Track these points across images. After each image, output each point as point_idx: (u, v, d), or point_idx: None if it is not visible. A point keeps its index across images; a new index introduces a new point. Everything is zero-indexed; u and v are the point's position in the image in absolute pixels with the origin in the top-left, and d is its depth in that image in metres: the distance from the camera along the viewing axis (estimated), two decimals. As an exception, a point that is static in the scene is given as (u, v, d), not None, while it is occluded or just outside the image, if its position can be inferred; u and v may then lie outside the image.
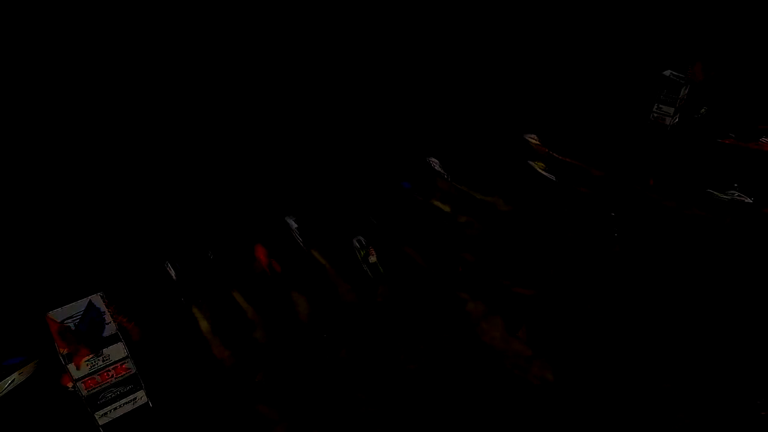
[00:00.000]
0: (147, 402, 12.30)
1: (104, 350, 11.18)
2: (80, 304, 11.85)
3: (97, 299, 12.01)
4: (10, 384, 12.40)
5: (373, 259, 16.54)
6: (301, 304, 15.15)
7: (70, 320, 11.54)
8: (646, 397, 12.25)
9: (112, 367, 11.42)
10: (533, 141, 21.79)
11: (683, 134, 22.94)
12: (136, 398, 12.08)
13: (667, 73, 22.71)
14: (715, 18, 24.68)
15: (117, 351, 11.40)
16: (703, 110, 22.72)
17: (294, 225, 17.60)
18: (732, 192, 18.57)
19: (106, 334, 11.40)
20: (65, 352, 10.79)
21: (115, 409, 11.83)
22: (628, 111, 23.82)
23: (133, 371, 11.79)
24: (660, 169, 20.32)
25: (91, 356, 11.03)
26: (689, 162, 20.79)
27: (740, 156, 20.92)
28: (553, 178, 19.75)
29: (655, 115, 23.36)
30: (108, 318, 11.72)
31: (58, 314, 11.60)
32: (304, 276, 16.03)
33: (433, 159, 20.74)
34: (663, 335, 13.69)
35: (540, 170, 20.15)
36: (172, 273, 15.69)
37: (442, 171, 20.40)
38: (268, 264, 16.14)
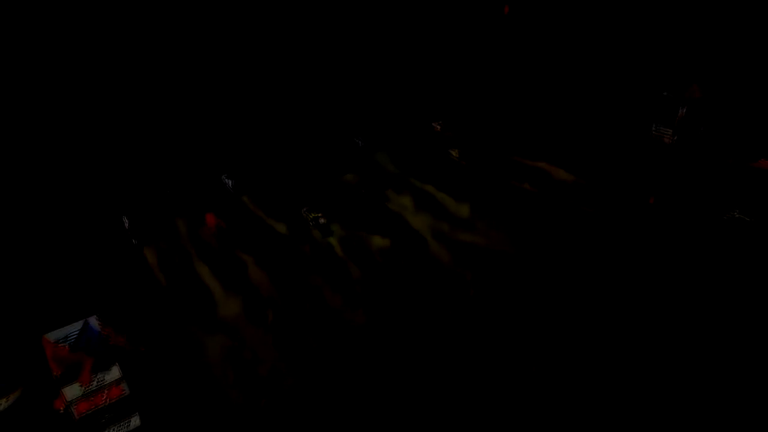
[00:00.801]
0: (140, 425, 12.09)
1: (99, 372, 11.06)
2: (76, 326, 11.78)
3: (93, 321, 11.95)
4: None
5: (323, 220, 18.03)
6: (246, 259, 16.94)
7: (65, 341, 11.45)
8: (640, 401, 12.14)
9: (106, 389, 11.28)
10: (437, 127, 24.01)
11: (683, 153, 23.02)
12: (130, 422, 11.88)
13: (665, 94, 22.95)
14: (712, 38, 25.01)
15: (112, 373, 11.28)
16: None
17: (229, 183, 20.20)
18: (732, 212, 18.54)
19: (102, 355, 11.30)
20: (59, 374, 10.67)
21: (108, 432, 11.65)
22: (627, 129, 24.00)
23: (128, 393, 11.63)
24: (660, 187, 20.35)
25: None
26: (690, 181, 20.81)
27: (741, 175, 20.93)
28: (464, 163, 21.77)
29: (654, 134, 23.50)
30: (104, 340, 11.64)
31: (53, 336, 11.53)
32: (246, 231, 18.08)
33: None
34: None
35: (455, 157, 22.09)
36: (126, 223, 17.72)
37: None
38: (216, 224, 18.36)
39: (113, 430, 11.63)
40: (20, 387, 12.65)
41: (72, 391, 10.81)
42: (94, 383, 11.04)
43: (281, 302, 15.53)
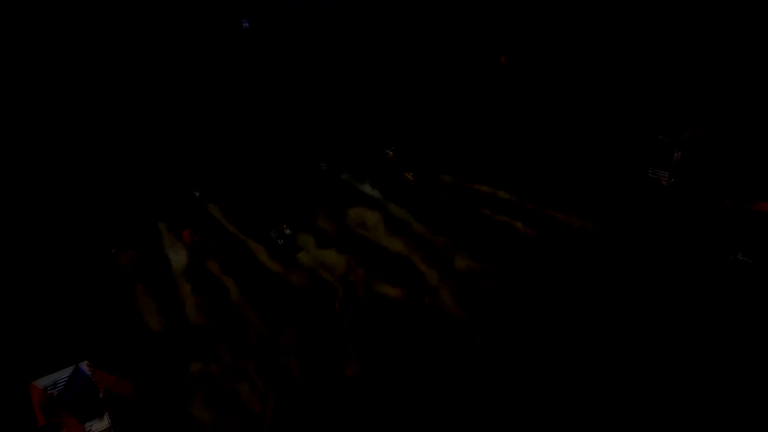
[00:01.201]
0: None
1: (87, 423, 10.54)
2: (65, 372, 11.34)
3: (84, 366, 11.51)
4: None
5: (288, 231, 19.18)
6: (212, 264, 18.44)
7: (53, 389, 10.98)
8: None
9: (93, 440, 10.73)
10: (390, 153, 25.96)
11: (681, 195, 23.20)
12: (116, 475, 11.24)
13: (660, 137, 23.37)
14: (706, 82, 25.79)
15: (100, 423, 10.75)
16: None
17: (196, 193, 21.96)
18: (735, 255, 18.48)
19: (91, 404, 10.80)
20: (44, 424, 10.15)
21: (92, 487, 10.98)
22: (624, 173, 24.27)
23: (117, 444, 11.06)
24: (662, 230, 20.38)
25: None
26: (691, 224, 20.86)
27: (741, 217, 21.00)
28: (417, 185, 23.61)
29: (651, 177, 23.73)
30: (94, 386, 11.17)
31: (41, 382, 11.06)
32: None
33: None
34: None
35: (410, 179, 23.93)
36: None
37: None
38: (191, 239, 19.70)
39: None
40: None
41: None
42: (81, 434, 10.52)
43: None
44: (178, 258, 19.06)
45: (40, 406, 10.49)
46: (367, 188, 23.76)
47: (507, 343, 15.60)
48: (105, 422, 10.80)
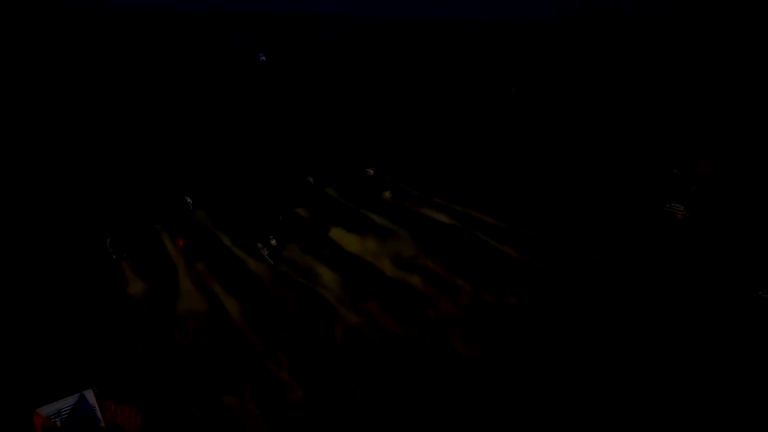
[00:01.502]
0: None
1: (89, 454, 10.16)
2: (70, 400, 11.02)
3: (89, 394, 11.19)
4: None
5: (273, 242, 20.74)
6: (200, 266, 20.51)
7: (57, 417, 10.63)
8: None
9: (94, 474, 10.30)
10: (370, 172, 28.54)
11: (699, 230, 22.83)
12: None
13: (676, 171, 23.22)
14: (720, 119, 25.82)
15: (103, 456, 10.37)
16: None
17: (189, 200, 24.45)
18: (758, 292, 17.94)
19: (93, 434, 10.44)
20: (46, 455, 9.80)
21: None
22: (642, 207, 24.07)
23: (117, 480, 10.62)
24: (679, 261, 19.95)
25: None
26: (710, 259, 20.39)
27: (764, 253, 20.50)
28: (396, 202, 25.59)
29: (668, 210, 23.46)
30: (99, 415, 10.81)
31: (45, 410, 10.74)
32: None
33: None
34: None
35: (388, 198, 26.19)
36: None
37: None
38: (184, 244, 21.82)
39: None
40: None
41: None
42: (83, 467, 10.11)
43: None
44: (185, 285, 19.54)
45: (42, 435, 10.14)
46: (351, 203, 25.59)
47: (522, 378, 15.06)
48: (107, 455, 10.41)
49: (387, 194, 25.99)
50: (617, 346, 16.17)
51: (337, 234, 22.92)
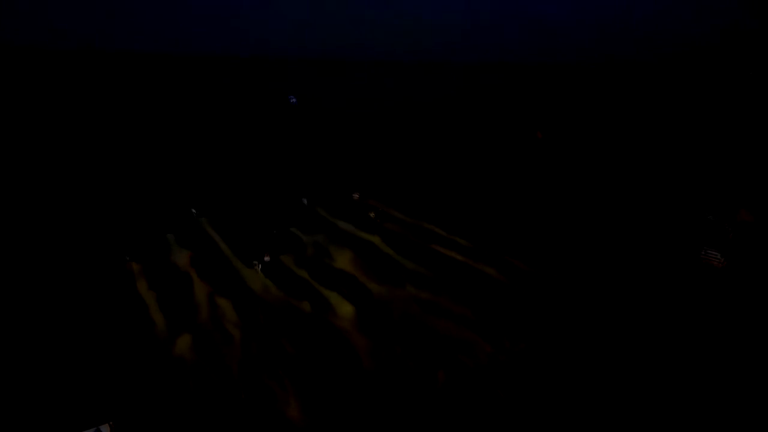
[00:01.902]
0: None
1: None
2: (86, 435, 11.00)
3: (105, 429, 11.16)
4: None
5: (267, 258, 21.09)
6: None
7: (72, 452, 10.60)
8: None
9: None
10: (356, 196, 29.29)
11: (735, 276, 21.82)
12: None
13: (711, 217, 22.49)
14: (757, 163, 25.12)
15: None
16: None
17: (194, 210, 25.59)
18: None
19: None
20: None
21: None
22: (677, 254, 23.20)
23: None
24: (718, 310, 18.98)
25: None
26: (748, 310, 19.33)
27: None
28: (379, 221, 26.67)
29: (703, 257, 22.54)
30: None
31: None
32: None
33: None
34: None
35: (373, 217, 27.03)
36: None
37: None
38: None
39: None
40: None
41: None
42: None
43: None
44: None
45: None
46: (341, 223, 27.25)
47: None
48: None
49: (371, 215, 28.05)
50: (650, 401, 15.30)
51: (325, 247, 24.64)
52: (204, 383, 15.83)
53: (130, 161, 28.86)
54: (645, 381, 15.96)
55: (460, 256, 23.52)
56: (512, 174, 30.08)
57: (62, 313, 18.06)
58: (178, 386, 15.56)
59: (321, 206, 29.23)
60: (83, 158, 28.55)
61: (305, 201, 29.50)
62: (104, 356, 16.31)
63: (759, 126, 25.21)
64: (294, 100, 48.11)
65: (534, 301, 20.73)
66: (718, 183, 24.31)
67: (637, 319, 19.01)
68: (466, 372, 16.61)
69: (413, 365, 16.89)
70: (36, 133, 29.45)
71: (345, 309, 19.63)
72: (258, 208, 27.75)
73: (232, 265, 22.31)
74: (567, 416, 14.97)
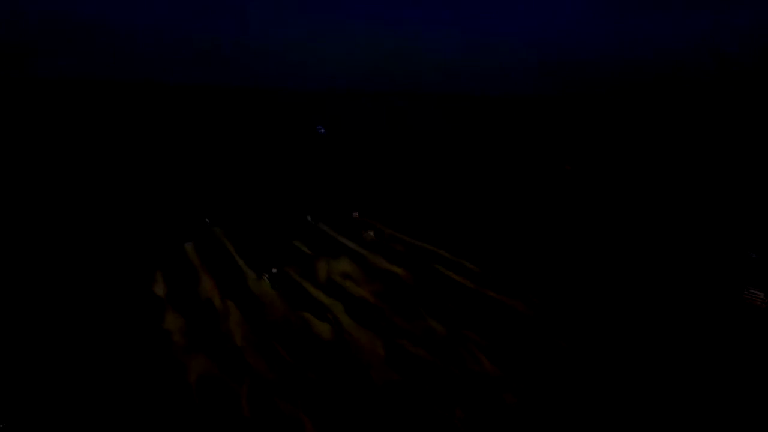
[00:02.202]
0: None
1: None
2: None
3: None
4: None
5: (274, 270, 22.65)
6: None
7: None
8: None
9: None
10: (356, 215, 31.84)
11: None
12: None
13: (753, 255, 21.97)
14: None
15: None
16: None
17: (207, 220, 29.93)
18: None
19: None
20: None
21: None
22: (719, 293, 22.55)
23: None
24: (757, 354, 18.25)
25: None
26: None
27: None
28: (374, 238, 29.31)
29: (746, 296, 21.90)
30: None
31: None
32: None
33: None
34: None
35: (369, 238, 29.42)
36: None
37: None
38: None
39: None
40: None
41: None
42: None
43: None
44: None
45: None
46: (342, 239, 29.73)
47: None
48: None
49: (371, 233, 29.76)
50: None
51: (326, 260, 25.98)
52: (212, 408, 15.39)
53: (166, 178, 30.13)
54: (690, 425, 15.34)
55: (471, 284, 23.88)
56: (544, 206, 29.84)
57: (88, 315, 18.96)
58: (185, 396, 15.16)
59: (325, 223, 32.33)
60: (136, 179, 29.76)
61: (310, 218, 32.41)
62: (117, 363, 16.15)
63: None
64: (323, 130, 49.95)
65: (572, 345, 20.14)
66: (760, 219, 23.80)
67: (681, 361, 18.39)
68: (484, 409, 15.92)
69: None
70: (82, 154, 31.09)
71: (343, 318, 20.36)
72: (267, 225, 30.83)
73: (243, 273, 23.99)
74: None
